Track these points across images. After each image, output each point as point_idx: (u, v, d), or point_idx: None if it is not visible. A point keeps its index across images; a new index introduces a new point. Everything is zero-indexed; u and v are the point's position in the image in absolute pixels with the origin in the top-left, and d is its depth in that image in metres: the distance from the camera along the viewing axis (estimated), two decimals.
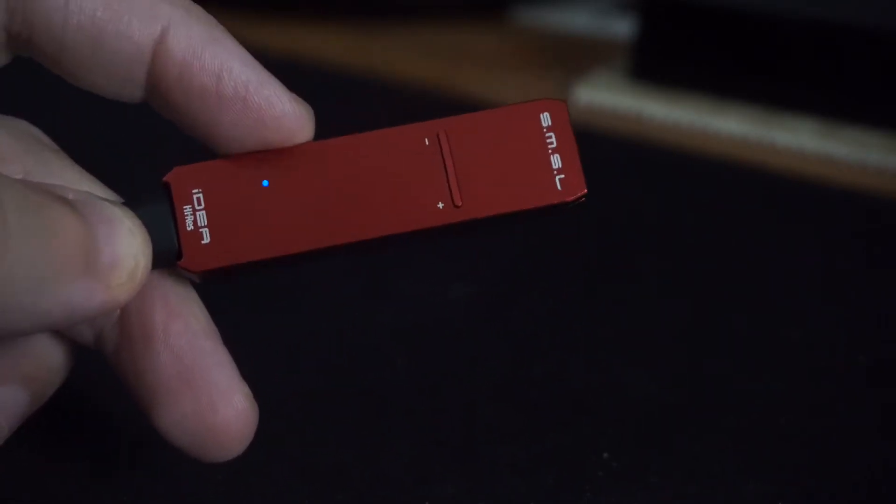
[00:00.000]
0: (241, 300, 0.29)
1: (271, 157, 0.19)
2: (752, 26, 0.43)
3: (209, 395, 0.19)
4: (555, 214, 0.20)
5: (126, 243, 0.17)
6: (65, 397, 0.21)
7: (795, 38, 0.42)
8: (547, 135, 0.20)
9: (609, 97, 0.45)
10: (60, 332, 0.20)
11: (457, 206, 0.19)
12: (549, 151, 0.20)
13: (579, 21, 0.55)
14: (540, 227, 0.35)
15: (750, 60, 0.44)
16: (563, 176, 0.19)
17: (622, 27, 0.52)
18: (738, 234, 0.35)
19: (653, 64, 0.45)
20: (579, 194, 0.20)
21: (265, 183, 0.19)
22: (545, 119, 0.20)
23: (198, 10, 0.19)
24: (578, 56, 0.50)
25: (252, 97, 0.19)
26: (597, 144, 0.41)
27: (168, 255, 0.19)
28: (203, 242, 0.19)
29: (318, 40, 0.51)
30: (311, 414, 0.26)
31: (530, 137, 0.20)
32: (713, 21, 0.44)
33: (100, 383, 0.22)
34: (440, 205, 0.19)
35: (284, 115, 0.19)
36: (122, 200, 0.19)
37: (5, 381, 0.19)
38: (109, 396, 0.25)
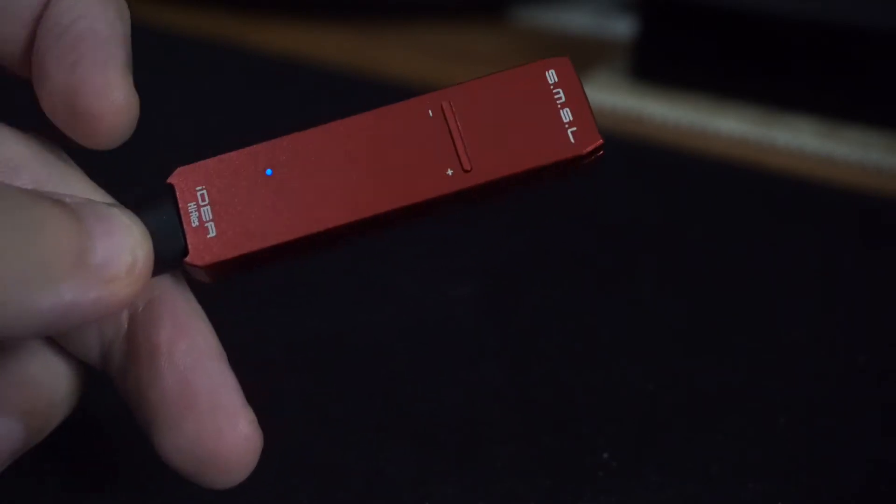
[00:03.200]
0: (241, 299, 0.29)
1: (274, 147, 0.19)
2: (752, 26, 0.43)
3: (214, 419, 0.18)
4: (572, 172, 0.19)
5: (121, 238, 0.17)
6: None
7: (795, 38, 0.42)
8: (555, 91, 0.19)
9: (609, 97, 0.45)
10: (65, 359, 0.19)
11: (466, 171, 0.18)
12: (559, 106, 0.19)
13: (579, 21, 0.55)
14: (540, 227, 0.35)
15: (750, 60, 0.44)
16: (575, 129, 0.19)
17: (622, 27, 0.52)
18: (738, 234, 0.35)
19: (653, 64, 0.45)
20: (595, 145, 0.19)
21: (269, 172, 0.19)
22: (551, 76, 0.19)
23: None
24: (578, 56, 0.50)
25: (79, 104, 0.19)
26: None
27: (177, 257, 0.18)
28: (209, 237, 0.18)
29: (317, 40, 0.51)
30: (311, 413, 0.26)
31: (538, 96, 0.19)
32: (713, 21, 0.44)
33: (97, 386, 0.22)
34: (449, 171, 0.18)
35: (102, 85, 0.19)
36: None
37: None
38: (108, 398, 0.25)
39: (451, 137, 0.19)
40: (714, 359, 0.29)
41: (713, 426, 0.26)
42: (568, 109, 0.19)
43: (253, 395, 0.20)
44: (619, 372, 0.28)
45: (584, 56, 0.50)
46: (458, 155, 0.19)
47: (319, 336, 0.29)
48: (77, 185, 0.19)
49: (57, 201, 0.16)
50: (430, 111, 0.19)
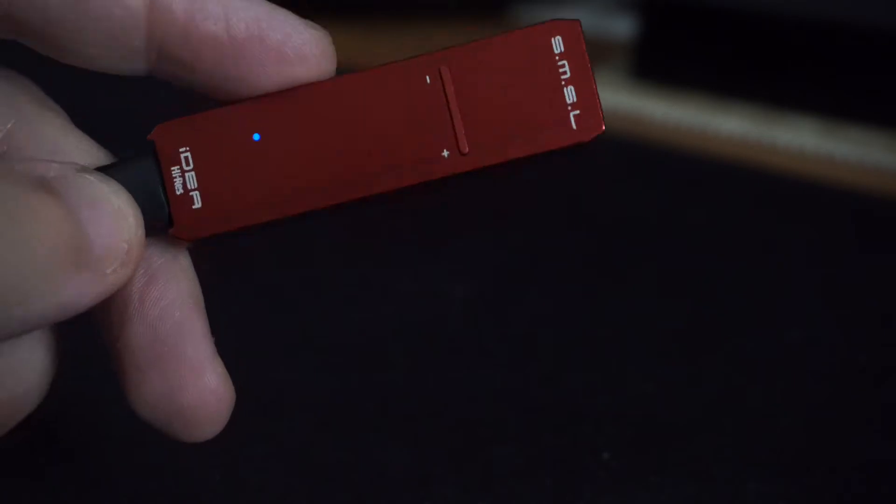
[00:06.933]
0: (241, 298, 0.29)
1: (261, 106, 0.18)
2: (752, 26, 0.43)
3: (178, 372, 0.18)
4: (570, 155, 0.18)
5: (116, 228, 0.16)
6: (58, 394, 0.21)
7: (795, 38, 0.42)
8: (559, 63, 0.18)
9: (609, 97, 0.45)
10: (29, 350, 0.18)
11: (463, 154, 0.18)
12: (563, 83, 0.18)
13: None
14: (540, 227, 0.35)
15: (750, 60, 0.44)
16: (578, 112, 0.18)
17: (622, 27, 0.52)
18: (739, 234, 0.35)
19: (653, 64, 0.45)
20: (596, 134, 0.18)
21: (256, 137, 0.18)
22: (557, 44, 0.18)
23: None
24: None
25: (268, 33, 0.17)
26: (597, 144, 0.41)
27: (158, 222, 0.18)
28: (194, 207, 0.18)
29: None
30: (311, 413, 0.26)
31: (541, 67, 0.18)
32: (714, 21, 0.44)
33: (92, 377, 0.22)
34: (445, 153, 0.18)
35: (305, 42, 0.18)
36: (112, 160, 0.18)
37: None
38: (103, 391, 0.25)
39: (449, 113, 0.18)
40: (714, 359, 0.29)
41: (713, 426, 0.26)
42: (572, 88, 0.18)
43: (252, 394, 0.20)
44: (619, 372, 0.28)
45: None
46: (455, 136, 0.18)
47: (319, 335, 0.29)
48: (54, 133, 0.18)
49: (42, 183, 0.16)
50: (427, 77, 0.18)
